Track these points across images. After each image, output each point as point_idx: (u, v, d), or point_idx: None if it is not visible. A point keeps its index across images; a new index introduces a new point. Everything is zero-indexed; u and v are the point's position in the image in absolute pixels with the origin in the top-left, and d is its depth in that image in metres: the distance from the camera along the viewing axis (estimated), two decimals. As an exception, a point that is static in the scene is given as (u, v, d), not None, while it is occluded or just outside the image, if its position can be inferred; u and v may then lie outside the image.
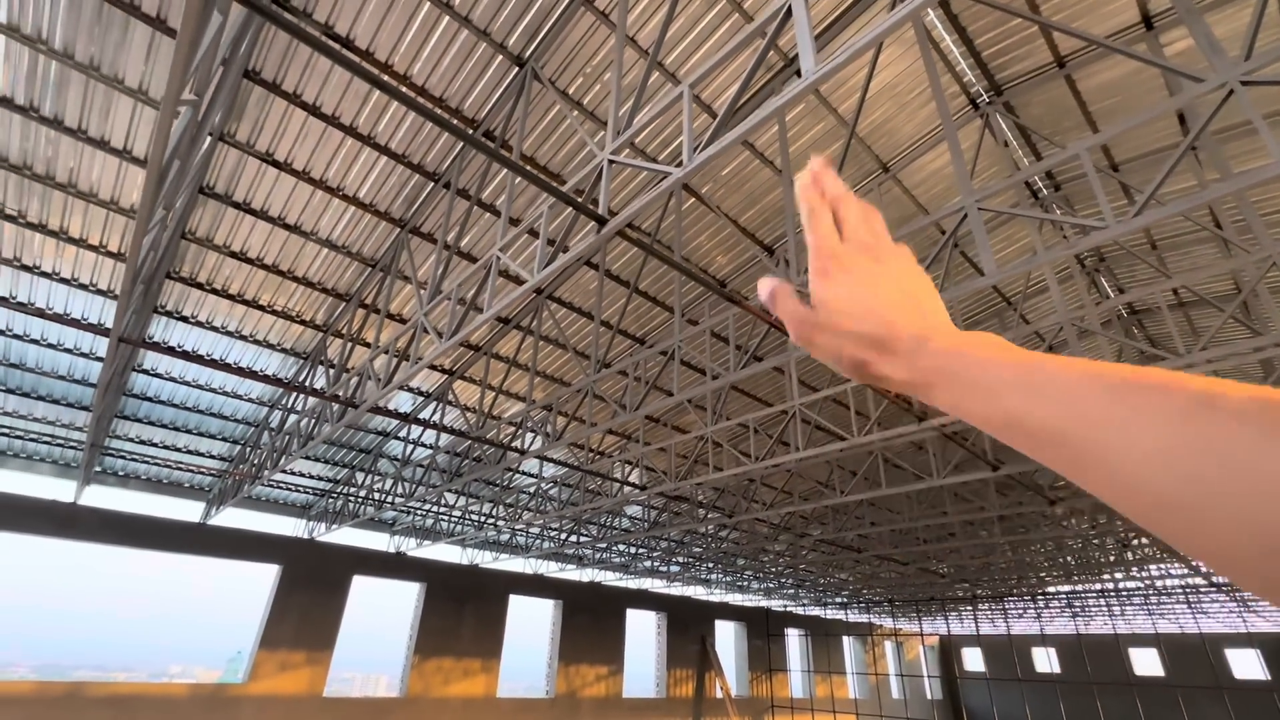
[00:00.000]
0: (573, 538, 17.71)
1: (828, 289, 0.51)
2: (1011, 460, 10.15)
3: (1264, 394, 0.29)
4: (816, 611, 31.58)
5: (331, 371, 8.63)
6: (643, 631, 24.53)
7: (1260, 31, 5.56)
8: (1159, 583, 22.57)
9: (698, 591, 26.50)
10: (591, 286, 8.72)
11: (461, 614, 18.17)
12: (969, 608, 31.46)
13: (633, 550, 19.63)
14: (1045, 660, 33.34)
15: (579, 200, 3.73)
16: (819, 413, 8.79)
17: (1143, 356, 9.33)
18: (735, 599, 28.50)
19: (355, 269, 7.98)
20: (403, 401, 11.05)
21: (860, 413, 9.85)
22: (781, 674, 27.44)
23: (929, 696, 34.36)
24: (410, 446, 12.02)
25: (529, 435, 12.06)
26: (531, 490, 14.24)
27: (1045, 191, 8.10)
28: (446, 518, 16.26)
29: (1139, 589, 23.06)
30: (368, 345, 8.84)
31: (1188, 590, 22.01)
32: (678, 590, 25.51)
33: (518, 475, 14.43)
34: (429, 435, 11.99)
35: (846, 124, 6.92)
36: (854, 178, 7.74)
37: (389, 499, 12.69)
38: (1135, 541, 16.89)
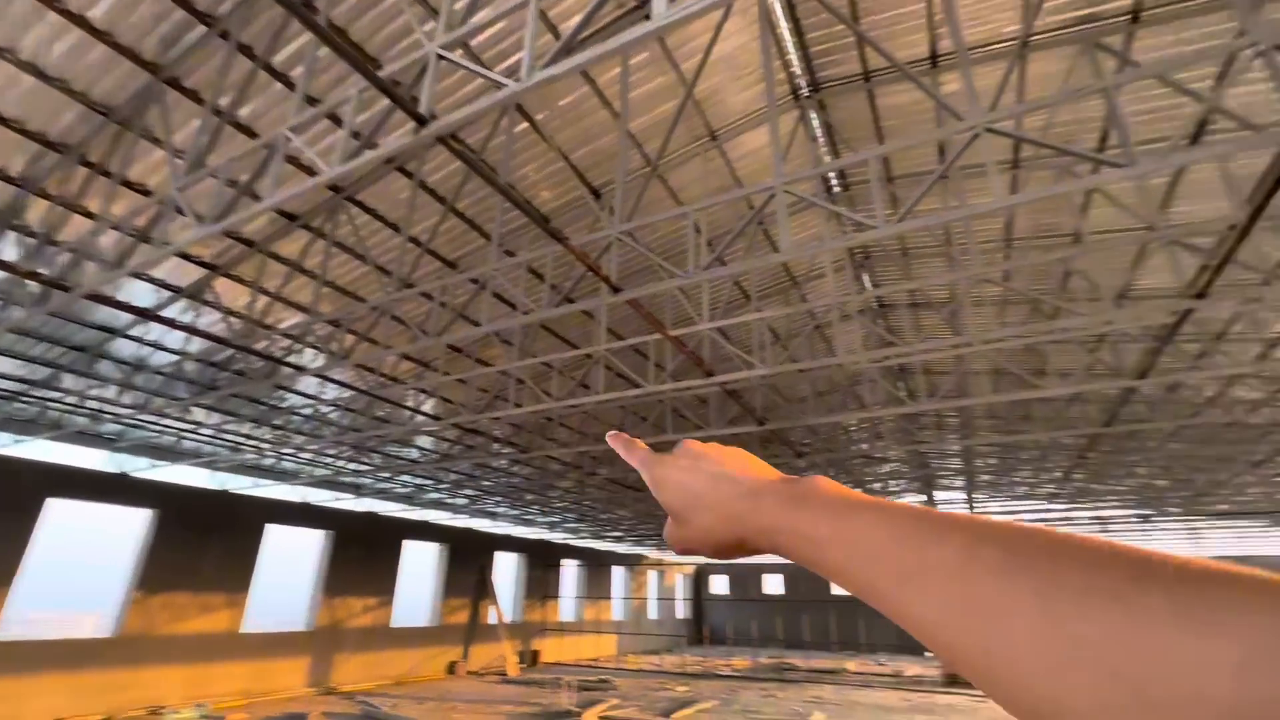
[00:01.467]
0: (351, 466, 16.48)
1: (669, 490, 0.57)
2: (775, 418, 11.79)
3: (1016, 547, 0.32)
4: (594, 544, 33.95)
5: (32, 241, 6.70)
6: (422, 563, 24.10)
7: (1007, 91, 6.86)
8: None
9: (482, 524, 26.67)
10: (402, 196, 7.88)
11: (205, 545, 15.98)
12: (722, 541, 36.33)
13: (418, 482, 18.95)
14: (774, 584, 40.32)
15: (396, 91, 3.30)
16: (621, 359, 9.21)
17: (883, 343, 11.32)
18: (520, 532, 29.32)
19: (78, 114, 6.16)
20: (140, 294, 9.04)
21: (659, 365, 10.55)
22: (555, 601, 29.19)
23: (678, 616, 39.50)
24: (149, 350, 9.97)
25: (310, 352, 10.77)
26: (307, 413, 12.83)
27: (837, 189, 9.24)
28: (193, 436, 13.97)
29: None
30: (91, 216, 6.99)
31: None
32: (462, 523, 25.38)
33: (290, 395, 12.87)
34: (175, 338, 10.05)
35: (685, 83, 7.07)
36: (683, 140, 8.00)
37: (111, 410, 10.44)
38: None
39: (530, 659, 26.02)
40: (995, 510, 24.35)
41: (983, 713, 15.33)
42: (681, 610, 40.40)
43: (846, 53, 7.18)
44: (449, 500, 21.93)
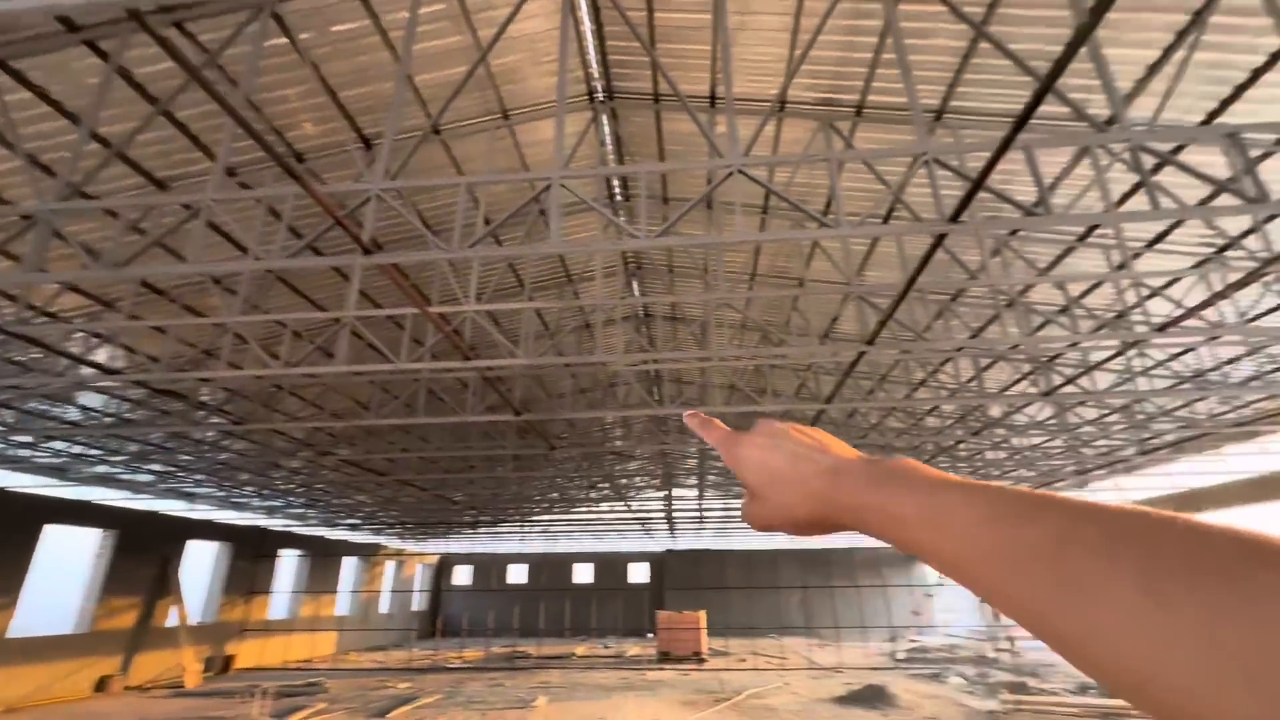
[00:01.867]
0: (-34, 423, 12.31)
1: (749, 467, 0.59)
2: (537, 410, 11.85)
3: (1115, 527, 0.32)
4: (323, 532, 30.36)
5: None
6: (73, 555, 18.89)
7: (765, 144, 7.89)
8: (602, 515, 30.09)
9: (173, 506, 21.96)
10: (91, 81, 6.08)
11: None
12: (471, 531, 35.46)
13: (77, 451, 14.87)
14: (518, 574, 40.61)
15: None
16: (374, 330, 8.38)
17: (641, 349, 12.16)
18: (225, 517, 24.81)
19: None
20: None
21: (417, 340, 9.84)
22: (264, 596, 25.38)
23: (414, 609, 37.41)
24: None
25: (-98, 259, 7.70)
26: (-112, 343, 9.14)
27: (620, 197, 9.68)
28: None
29: (589, 519, 30.29)
30: None
31: (615, 521, 30.08)
32: (142, 504, 20.55)
33: None
34: None
35: (481, 48, 6.73)
36: (472, 109, 7.62)
37: None
38: (599, 483, 22.11)
39: (221, 666, 22.15)
40: (718, 507, 27.94)
41: (684, 684, 17.40)
42: (419, 603, 38.33)
43: (643, 70, 7.57)
44: (125, 476, 17.60)
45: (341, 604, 30.54)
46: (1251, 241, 7.30)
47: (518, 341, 7.89)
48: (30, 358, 9.77)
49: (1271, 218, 7.03)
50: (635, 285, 12.29)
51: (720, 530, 33.50)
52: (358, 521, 28.43)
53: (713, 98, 7.57)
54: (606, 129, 8.30)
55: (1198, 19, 5.10)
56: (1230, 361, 10.50)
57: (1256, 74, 5.60)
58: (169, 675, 19.93)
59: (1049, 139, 5.58)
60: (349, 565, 31.78)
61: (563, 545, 40.06)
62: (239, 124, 3.67)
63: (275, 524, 27.08)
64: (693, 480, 25.40)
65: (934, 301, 10.21)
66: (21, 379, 8.17)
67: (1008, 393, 12.45)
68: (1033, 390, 11.37)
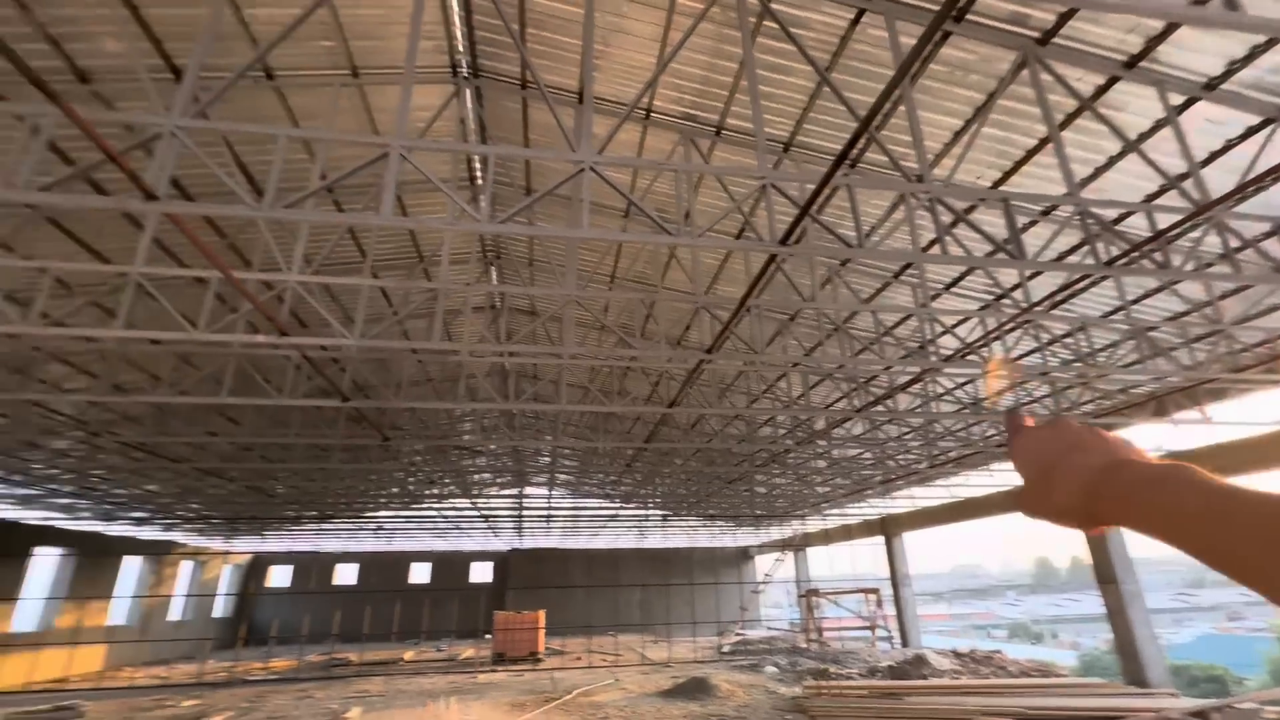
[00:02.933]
0: None
1: (1026, 464, 0.65)
2: (371, 397, 10.93)
3: None
4: (99, 527, 25.58)
5: None
6: None
7: (625, 147, 7.98)
8: (444, 513, 28.74)
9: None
10: None
11: None
12: (294, 527, 31.98)
13: None
14: (346, 574, 37.35)
15: None
16: (170, 293, 7.21)
17: (500, 340, 11.75)
18: (-43, 506, 20.00)
19: None
20: None
21: (232, 306, 8.65)
22: (9, 604, 20.81)
23: (215, 615, 32.92)
24: None
25: None
26: None
27: (480, 181, 9.29)
28: None
29: (431, 516, 28.72)
30: None
31: (458, 519, 28.88)
32: None
33: None
34: None
35: (328, -4, 6.08)
36: (321, 62, 6.88)
37: None
38: (435, 478, 21.04)
39: (-68, 691, 17.77)
40: (566, 507, 27.92)
41: (516, 685, 17.08)
42: (221, 608, 33.75)
43: (514, 54, 7.32)
44: None
45: (117, 612, 25.97)
46: (1018, 294, 8.78)
47: (353, 320, 7.22)
48: None
49: (1033, 275, 8.50)
50: (494, 274, 11.88)
51: (568, 530, 33.50)
52: (146, 515, 24.33)
53: (581, 94, 7.52)
54: (470, 108, 7.92)
55: (990, 100, 6.01)
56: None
57: (1030, 154, 6.74)
58: None
59: (866, 182, 6.24)
60: (131, 566, 27.16)
61: (399, 544, 37.55)
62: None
63: (30, 516, 22.34)
64: (543, 478, 25.14)
65: (773, 319, 11.02)
66: None
67: (831, 408, 13.81)
68: (849, 407, 12.71)
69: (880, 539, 25.98)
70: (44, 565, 22.96)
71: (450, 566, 38.11)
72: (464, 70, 7.46)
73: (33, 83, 3.12)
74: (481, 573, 38.62)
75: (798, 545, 35.27)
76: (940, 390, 12.10)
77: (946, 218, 6.79)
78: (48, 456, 14.78)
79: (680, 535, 37.81)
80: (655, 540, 38.86)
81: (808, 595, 25.93)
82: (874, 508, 25.77)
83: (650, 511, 29.20)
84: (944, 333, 10.47)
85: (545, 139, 8.51)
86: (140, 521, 24.89)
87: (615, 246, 10.09)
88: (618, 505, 28.85)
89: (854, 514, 27.67)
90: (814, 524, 31.70)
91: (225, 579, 34.41)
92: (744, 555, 40.31)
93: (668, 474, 21.74)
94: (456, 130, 8.05)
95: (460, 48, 7.21)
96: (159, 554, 28.49)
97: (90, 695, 18.04)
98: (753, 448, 16.17)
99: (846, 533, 29.36)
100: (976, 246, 7.93)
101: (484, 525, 29.81)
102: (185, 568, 30.94)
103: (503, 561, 38.38)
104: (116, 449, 14.14)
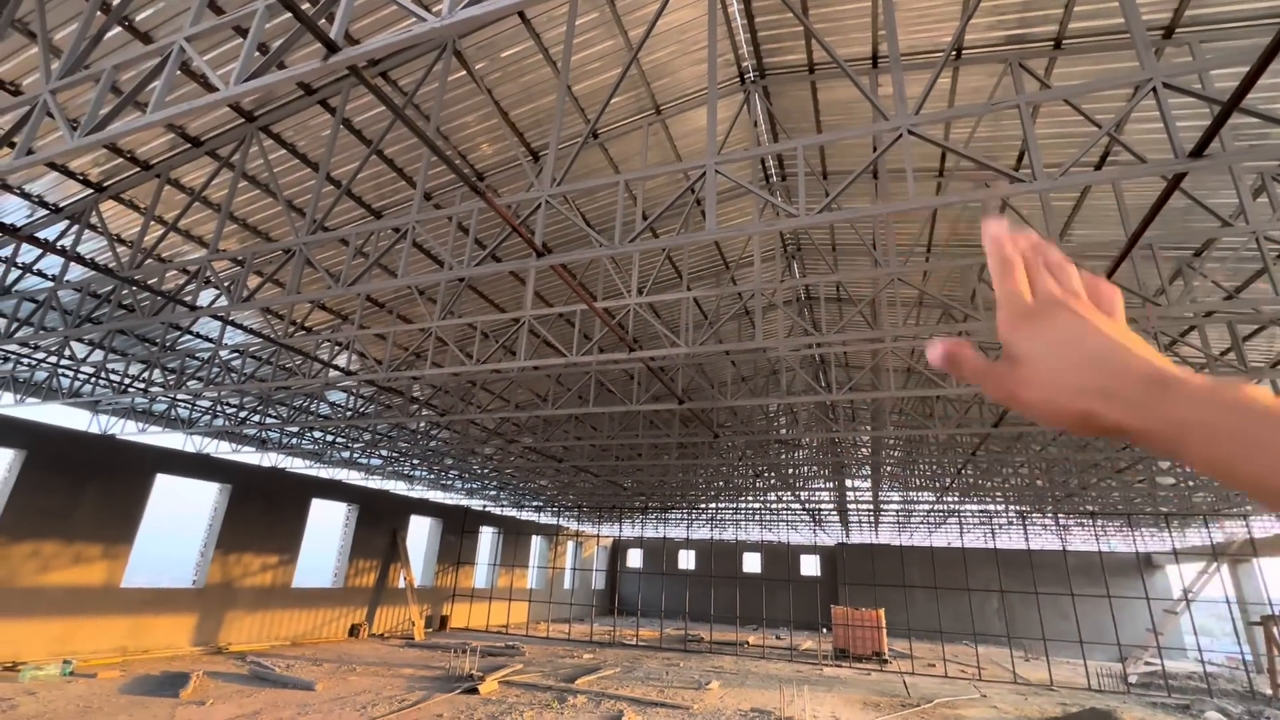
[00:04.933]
0: (255, 417, 15.56)
1: (1031, 341, 0.48)
2: (698, 398, 11.96)
3: None
4: (513, 513, 33.76)
5: None
6: (330, 522, 23.21)
7: (938, 99, 7.14)
8: (770, 505, 29.55)
9: (398, 486, 25.93)
10: (324, 134, 7.37)
11: (79, 493, 14.70)
12: (641, 515, 36.98)
13: (330, 439, 18.14)
14: (686, 559, 41.60)
15: (302, 8, 3.03)
16: (548, 328, 9.08)
17: (806, 333, 11.69)
18: (437, 496, 28.72)
19: (-69, -11, 5.32)
20: (11, 209, 8.06)
21: (586, 335, 10.47)
22: (469, 567, 28.92)
23: (593, 587, 40.16)
24: (14, 270, 8.95)
25: (210, 291, 10.00)
26: (206, 356, 11.95)
27: (775, 178, 9.38)
28: (70, 373, 12.74)
29: (756, 509, 29.89)
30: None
31: (783, 511, 29.33)
32: (375, 483, 24.58)
33: (188, 336, 11.94)
34: (51, 263, 9.06)
35: (631, 50, 6.93)
36: (628, 110, 7.87)
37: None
38: (765, 472, 21.73)
39: (438, 624, 25.76)
40: (895, 501, 25.99)
41: (864, 684, 16.52)
42: (597, 581, 41.08)
43: (795, 41, 7.23)
44: (362, 460, 21.14)
45: (531, 578, 33.76)
46: None
47: (678, 331, 8.03)
48: (296, 363, 12.14)
49: None
50: (795, 267, 11.84)
51: (901, 525, 31.14)
52: (541, 504, 31.21)
53: (875, 58, 7.00)
54: (759, 109, 8.07)
55: None
56: None
57: None
58: (401, 628, 23.65)
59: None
60: (536, 543, 35.01)
61: (730, 533, 40.15)
62: (434, 152, 4.19)
63: (475, 504, 30.71)
64: (865, 470, 23.91)
65: (1169, 259, 8.46)
66: (290, 380, 10.20)
67: (1277, 366, 9.89)
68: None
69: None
70: (485, 540, 31.33)
71: (779, 558, 39.12)
72: (751, 75, 7.65)
73: (470, 187, 4.33)
74: (810, 565, 38.67)
75: (1235, 554, 26.20)
76: None
77: None
78: (480, 460, 20.11)
79: (1046, 535, 31.67)
80: (1011, 540, 33.36)
81: (1266, 622, 19.00)
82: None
83: (1000, 506, 25.18)
84: None
85: (838, 118, 8.15)
86: (538, 509, 32.02)
87: (930, 213, 9.07)
88: (956, 499, 25.66)
89: (1343, 514, 19.24)
90: (1263, 526, 23.12)
91: (596, 557, 41.68)
92: (1146, 563, 31.66)
93: (1020, 464, 18.46)
94: (750, 135, 8.29)
95: (745, 54, 7.42)
96: (551, 535, 36.03)
97: (524, 640, 23.80)
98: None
99: (1330, 541, 20.60)
100: None
101: (808, 520, 29.78)
102: (569, 546, 38.49)
103: (831, 556, 37.73)
104: (519, 452, 18.46)
